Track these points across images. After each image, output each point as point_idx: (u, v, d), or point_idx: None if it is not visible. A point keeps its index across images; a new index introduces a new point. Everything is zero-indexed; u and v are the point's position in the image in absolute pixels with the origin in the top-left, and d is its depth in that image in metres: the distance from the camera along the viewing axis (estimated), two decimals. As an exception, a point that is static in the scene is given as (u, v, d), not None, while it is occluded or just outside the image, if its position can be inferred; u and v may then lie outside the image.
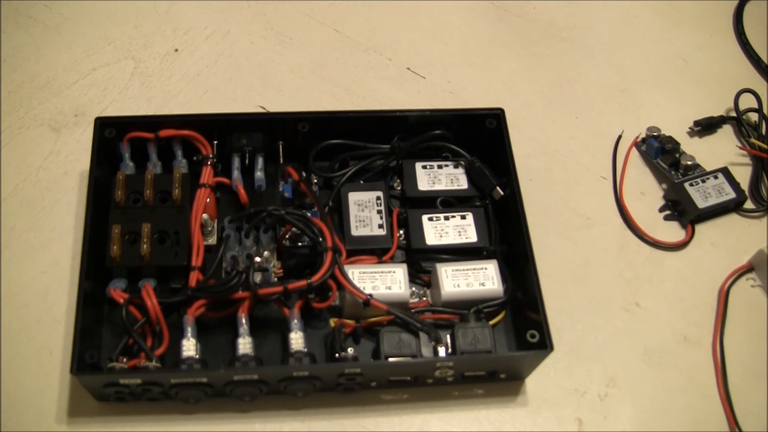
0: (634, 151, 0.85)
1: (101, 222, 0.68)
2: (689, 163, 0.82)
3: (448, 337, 0.67)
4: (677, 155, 0.83)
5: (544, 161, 0.84)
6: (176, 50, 0.88)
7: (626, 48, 0.95)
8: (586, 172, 0.84)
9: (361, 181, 0.76)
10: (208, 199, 0.71)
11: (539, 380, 0.70)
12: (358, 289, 0.65)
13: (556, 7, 0.97)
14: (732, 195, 0.80)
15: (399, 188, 0.77)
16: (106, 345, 0.67)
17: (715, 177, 0.81)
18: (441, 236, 0.72)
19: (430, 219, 0.73)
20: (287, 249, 0.70)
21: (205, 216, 0.70)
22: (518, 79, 0.90)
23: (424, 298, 0.71)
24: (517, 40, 0.94)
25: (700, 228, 0.80)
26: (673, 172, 0.83)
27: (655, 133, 0.84)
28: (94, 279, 0.66)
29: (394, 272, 0.68)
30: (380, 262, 0.70)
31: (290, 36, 0.91)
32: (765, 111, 0.87)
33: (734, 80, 0.91)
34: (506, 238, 0.73)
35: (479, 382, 0.69)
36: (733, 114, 0.88)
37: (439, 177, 0.76)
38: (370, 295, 0.65)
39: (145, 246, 0.67)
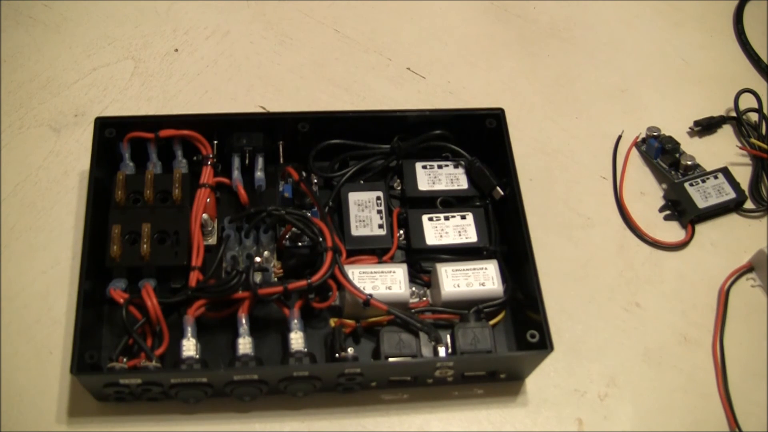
0: (634, 151, 0.85)
1: (101, 222, 0.68)
2: (689, 163, 0.82)
3: (448, 337, 0.67)
4: (677, 155, 0.83)
5: (544, 161, 0.84)
6: (176, 50, 0.88)
7: (626, 48, 0.95)
8: (586, 172, 0.84)
9: (361, 181, 0.76)
10: (208, 199, 0.71)
11: (539, 380, 0.70)
12: (358, 289, 0.65)
13: (556, 7, 0.97)
14: (732, 195, 0.80)
15: (399, 188, 0.77)
16: (106, 345, 0.67)
17: (715, 177, 0.81)
18: (441, 236, 0.72)
19: (430, 219, 0.73)
20: (287, 249, 0.70)
21: (205, 216, 0.70)
22: (518, 79, 0.90)
23: (424, 298, 0.71)
24: (517, 40, 0.94)
25: (700, 228, 0.80)
26: (673, 172, 0.83)
27: (655, 133, 0.84)
28: (94, 279, 0.66)
29: (394, 272, 0.68)
30: (380, 262, 0.70)
31: (290, 36, 0.91)
32: (765, 111, 0.87)
33: (734, 80, 0.91)
34: (506, 238, 0.73)
35: (479, 382, 0.69)
36: (733, 114, 0.88)
37: (439, 177, 0.76)
38: (370, 295, 0.65)
39: (145, 246, 0.67)
